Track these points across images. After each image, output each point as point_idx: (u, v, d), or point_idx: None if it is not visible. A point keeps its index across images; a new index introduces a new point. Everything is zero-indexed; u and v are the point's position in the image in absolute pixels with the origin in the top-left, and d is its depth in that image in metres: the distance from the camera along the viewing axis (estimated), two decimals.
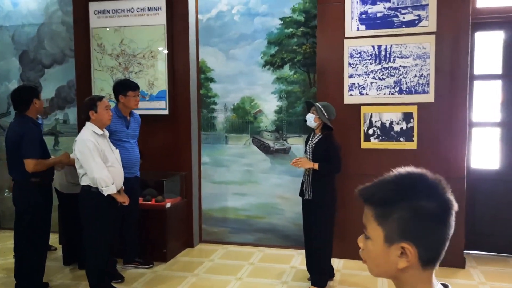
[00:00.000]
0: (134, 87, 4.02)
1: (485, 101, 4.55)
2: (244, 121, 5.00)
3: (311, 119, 3.76)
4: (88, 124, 3.48)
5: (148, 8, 4.85)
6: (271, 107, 4.89)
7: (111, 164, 3.45)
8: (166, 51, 4.83)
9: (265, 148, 4.95)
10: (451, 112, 4.18)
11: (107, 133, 3.59)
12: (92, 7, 5.01)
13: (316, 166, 3.67)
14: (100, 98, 3.53)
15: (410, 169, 1.07)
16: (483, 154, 4.59)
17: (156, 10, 4.84)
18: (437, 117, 4.21)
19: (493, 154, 4.56)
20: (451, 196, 1.04)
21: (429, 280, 1.06)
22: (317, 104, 3.77)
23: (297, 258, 4.55)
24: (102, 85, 5.05)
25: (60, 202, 4.33)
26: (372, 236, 1.06)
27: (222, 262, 4.51)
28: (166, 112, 4.88)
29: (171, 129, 4.90)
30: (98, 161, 3.34)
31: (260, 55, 4.86)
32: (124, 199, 3.52)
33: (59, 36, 5.47)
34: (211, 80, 5.04)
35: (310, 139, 3.85)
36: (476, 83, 4.50)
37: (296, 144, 4.84)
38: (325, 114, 3.71)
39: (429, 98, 4.21)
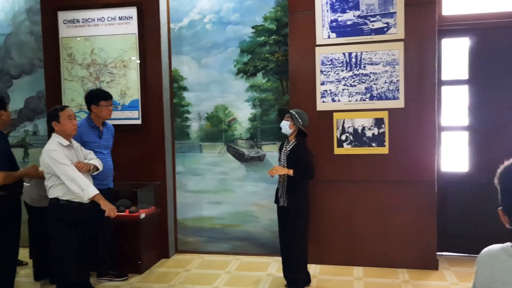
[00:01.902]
0: (107, 96, 3.96)
1: (453, 105, 4.67)
2: (218, 129, 4.99)
3: (286, 126, 3.79)
4: (53, 135, 3.41)
5: (119, 17, 4.81)
6: (245, 115, 4.90)
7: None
8: (138, 61, 4.79)
9: (239, 156, 4.95)
10: (421, 117, 4.28)
11: (75, 144, 3.52)
12: (61, 16, 4.93)
13: (290, 172, 3.69)
14: (62, 108, 3.45)
15: None
16: (452, 157, 4.70)
17: (127, 19, 4.80)
18: (408, 122, 4.30)
19: (462, 157, 4.67)
20: None
21: None
22: (291, 111, 3.81)
23: (274, 265, 4.54)
24: (72, 95, 4.97)
25: (30, 215, 4.21)
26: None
27: (198, 271, 4.47)
28: (139, 121, 4.84)
29: (144, 138, 4.85)
30: (69, 164, 3.27)
31: (233, 63, 4.87)
32: (109, 208, 3.39)
33: (27, 46, 5.36)
34: (184, 88, 5.02)
35: (284, 146, 3.88)
36: (444, 88, 4.62)
37: (271, 152, 4.85)
38: (300, 120, 3.75)
39: (399, 103, 4.30)
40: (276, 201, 3.86)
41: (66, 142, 3.36)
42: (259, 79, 4.83)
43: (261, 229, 4.91)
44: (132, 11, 4.78)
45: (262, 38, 4.79)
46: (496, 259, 1.40)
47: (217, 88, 4.94)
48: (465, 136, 4.69)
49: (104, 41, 4.85)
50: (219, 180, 5.01)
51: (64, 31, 4.94)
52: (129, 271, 4.35)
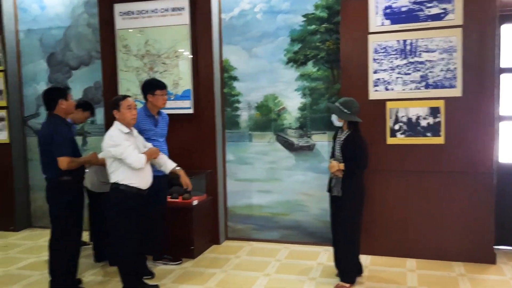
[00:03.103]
0: (162, 86, 4.07)
1: None
2: (267, 118, 5.02)
3: (335, 120, 3.77)
4: (115, 122, 3.56)
5: (171, 8, 4.91)
6: (295, 104, 4.89)
7: None
8: (189, 51, 4.88)
9: (289, 146, 4.96)
10: (479, 106, 4.12)
11: (135, 132, 3.66)
12: (117, 8, 5.09)
13: (341, 166, 3.66)
14: (123, 97, 3.58)
15: None
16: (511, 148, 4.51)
17: (180, 10, 4.89)
18: (465, 111, 4.15)
19: None
20: None
21: None
22: (333, 105, 3.75)
23: (324, 255, 4.55)
24: (128, 85, 5.14)
25: (90, 200, 4.43)
26: None
27: (248, 258, 4.55)
28: (191, 111, 4.94)
29: (196, 127, 4.96)
30: (127, 144, 3.41)
31: (283, 52, 4.87)
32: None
33: (85, 38, 5.58)
34: (235, 78, 5.07)
35: (338, 135, 3.84)
36: (503, 76, 4.42)
37: (321, 141, 4.83)
38: (345, 110, 3.67)
39: (457, 92, 4.16)
40: (329, 190, 3.85)
41: (126, 130, 3.50)
42: (310, 68, 4.81)
43: (310, 218, 4.92)
44: (184, 2, 4.86)
45: (313, 26, 4.75)
46: None
47: (267, 77, 4.96)
48: None
49: (158, 32, 4.98)
50: (268, 169, 5.05)
51: (120, 23, 5.10)
52: (182, 255, 4.49)
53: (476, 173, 4.16)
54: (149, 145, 3.78)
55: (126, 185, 3.44)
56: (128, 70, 5.14)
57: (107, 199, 3.60)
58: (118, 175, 3.45)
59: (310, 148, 4.89)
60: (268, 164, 5.04)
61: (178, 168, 3.89)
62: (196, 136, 4.96)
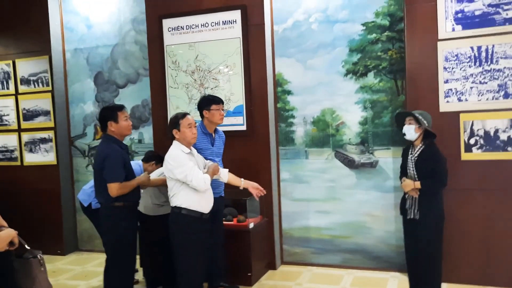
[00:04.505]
0: (218, 100, 3.86)
1: None
2: (325, 134, 4.72)
3: (411, 131, 3.44)
4: (174, 143, 3.34)
5: (222, 21, 4.72)
6: (355, 118, 4.58)
7: None
8: (242, 65, 4.66)
9: (349, 163, 4.63)
10: None
11: (194, 152, 3.43)
12: (166, 24, 4.95)
13: (418, 184, 3.32)
14: (183, 115, 3.36)
15: None
16: None
17: (231, 23, 4.70)
18: None
19: None
20: None
21: None
22: (413, 112, 3.45)
23: (393, 282, 4.17)
24: (177, 102, 4.96)
25: (142, 223, 4.21)
26: None
27: (310, 286, 4.21)
28: (244, 127, 4.70)
29: (249, 144, 4.70)
30: (191, 164, 3.17)
31: (341, 63, 4.58)
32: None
33: (132, 55, 5.47)
34: (289, 92, 4.81)
35: (410, 151, 3.51)
36: None
37: (384, 157, 4.49)
38: (425, 122, 3.39)
39: None
40: (403, 212, 3.50)
41: (187, 150, 3.28)
42: (370, 79, 4.49)
43: (374, 242, 4.54)
44: (236, 15, 4.67)
45: (374, 35, 4.45)
46: None
47: (323, 90, 4.67)
48: None
49: (208, 47, 4.79)
50: (326, 188, 4.73)
51: (168, 38, 4.95)
52: (239, 282, 4.20)
53: None
54: (209, 162, 3.54)
55: (188, 209, 3.20)
56: (177, 87, 4.97)
57: (160, 222, 3.36)
58: (179, 199, 3.22)
59: (373, 165, 4.54)
60: (326, 183, 4.72)
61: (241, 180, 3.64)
62: (249, 153, 4.70)
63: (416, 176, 3.41)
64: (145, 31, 5.14)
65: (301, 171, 4.82)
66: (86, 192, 4.38)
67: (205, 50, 4.81)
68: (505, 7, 3.83)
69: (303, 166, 4.81)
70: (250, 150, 4.71)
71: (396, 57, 4.38)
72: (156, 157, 4.32)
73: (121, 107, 3.54)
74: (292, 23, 4.74)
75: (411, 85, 4.14)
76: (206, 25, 4.79)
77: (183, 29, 4.89)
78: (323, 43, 4.64)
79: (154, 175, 4.00)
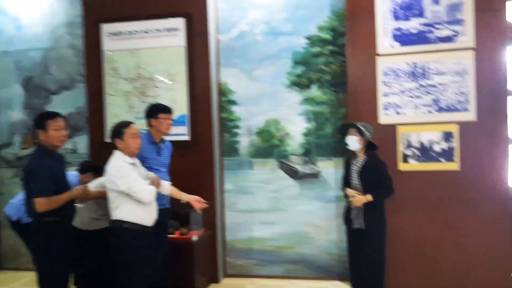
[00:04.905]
0: (166, 110, 3.72)
1: None
2: (269, 144, 4.73)
3: (354, 142, 3.54)
4: (116, 152, 3.17)
5: (166, 29, 4.61)
6: (299, 130, 4.64)
7: None
8: (185, 74, 4.56)
9: (293, 173, 4.67)
10: (494, 130, 4.00)
11: (138, 162, 3.28)
12: (105, 29, 4.74)
13: (369, 198, 3.41)
14: (127, 124, 3.21)
15: None
16: None
17: (175, 31, 4.59)
18: (480, 135, 4.01)
19: None
20: None
21: None
22: (357, 124, 3.56)
23: None
24: (116, 110, 4.74)
25: (78, 239, 3.93)
26: None
27: None
28: (187, 137, 4.59)
29: (193, 155, 4.60)
30: (135, 175, 3.01)
31: (286, 75, 4.63)
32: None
33: (67, 60, 5.16)
34: (233, 102, 4.78)
35: (352, 163, 3.60)
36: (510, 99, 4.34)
37: (327, 168, 4.58)
38: (367, 133, 3.51)
39: (470, 116, 4.02)
40: (348, 222, 3.57)
41: (130, 160, 3.13)
42: (314, 91, 4.59)
43: (317, 251, 4.60)
44: (180, 23, 4.57)
45: (317, 48, 4.56)
46: None
47: (268, 101, 4.69)
48: None
49: (150, 54, 4.65)
50: (270, 199, 4.73)
51: (108, 44, 4.74)
52: None
53: (494, 199, 4.00)
54: (152, 174, 3.39)
55: (131, 222, 3.04)
56: (116, 95, 4.75)
57: (112, 238, 3.14)
58: (122, 211, 3.05)
59: (316, 175, 4.61)
60: (270, 193, 4.72)
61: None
62: (193, 164, 4.59)
63: (360, 186, 3.50)
64: (81, 35, 4.88)
65: (245, 182, 4.79)
66: (14, 205, 4.03)
67: (147, 57, 4.66)
68: (438, 26, 4.08)
69: (247, 177, 4.78)
70: (193, 161, 4.60)
71: (338, 71, 4.51)
72: (92, 168, 4.08)
73: (52, 115, 3.22)
74: (237, 33, 4.73)
75: (352, 98, 4.28)
76: (149, 31, 4.65)
77: (123, 34, 4.71)
78: (267, 55, 4.67)
79: (92, 187, 3.77)
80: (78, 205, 3.62)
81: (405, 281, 4.15)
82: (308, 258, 4.62)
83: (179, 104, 4.60)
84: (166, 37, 4.61)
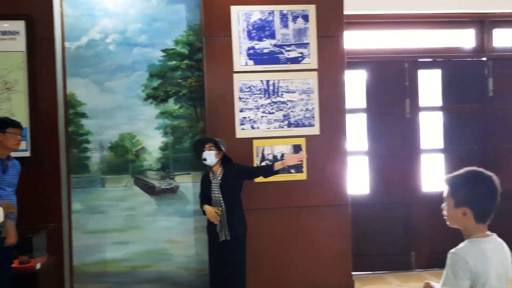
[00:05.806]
0: (16, 124, 3.35)
1: (355, 132, 5.01)
2: (124, 160, 4.50)
3: (211, 156, 3.66)
4: None
5: (2, 32, 4.06)
6: (155, 144, 4.51)
7: None
8: (25, 82, 4.07)
9: (149, 189, 4.52)
10: (334, 143, 4.47)
11: None
12: None
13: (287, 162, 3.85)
14: None
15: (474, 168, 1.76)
16: (357, 180, 5.01)
17: (13, 34, 4.08)
18: (323, 148, 4.44)
19: (365, 180, 5.03)
20: (496, 183, 1.72)
21: (483, 230, 1.75)
22: (215, 138, 3.72)
23: None
24: None
25: None
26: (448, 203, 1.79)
27: None
28: (27, 153, 4.09)
29: (35, 173, 4.08)
30: None
31: (141, 88, 4.48)
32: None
33: None
34: (83, 115, 4.43)
35: (212, 179, 3.69)
36: (348, 116, 4.93)
37: (185, 182, 4.54)
38: (222, 147, 3.70)
39: (315, 130, 4.44)
40: (212, 236, 3.60)
41: None
42: (171, 105, 4.53)
43: (174, 267, 4.50)
44: (19, 25, 4.08)
45: (174, 62, 4.52)
46: None
47: (122, 114, 4.47)
48: (365, 160, 5.07)
49: None
50: (125, 217, 4.48)
51: None
52: None
53: (334, 205, 4.46)
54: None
55: None
56: None
57: None
58: None
59: (174, 190, 4.54)
60: (125, 211, 4.48)
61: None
62: (35, 183, 4.08)
63: (221, 199, 3.57)
64: None
65: (96, 200, 4.45)
66: None
67: None
68: (287, 48, 4.42)
69: (98, 195, 4.46)
70: (36, 180, 4.09)
71: (196, 85, 4.54)
72: None
73: None
74: (87, 42, 4.42)
75: (210, 113, 4.35)
76: None
77: None
78: (121, 66, 4.46)
79: None
80: None
81: (263, 277, 4.31)
82: (166, 276, 4.49)
83: (18, 116, 4.03)
84: (3, 40, 4.07)
